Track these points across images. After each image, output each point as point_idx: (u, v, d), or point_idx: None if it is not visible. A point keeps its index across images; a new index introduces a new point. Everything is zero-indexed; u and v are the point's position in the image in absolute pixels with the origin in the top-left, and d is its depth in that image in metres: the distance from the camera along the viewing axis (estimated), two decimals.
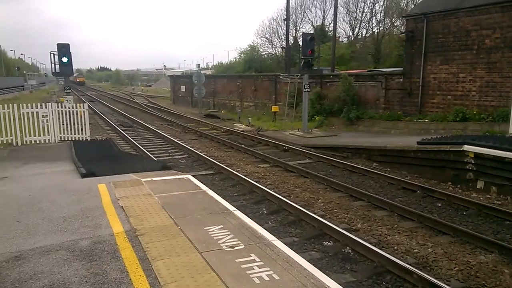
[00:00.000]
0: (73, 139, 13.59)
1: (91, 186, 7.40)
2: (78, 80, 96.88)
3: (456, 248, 6.36)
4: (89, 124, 14.42)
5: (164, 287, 3.75)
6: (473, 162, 9.70)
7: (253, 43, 44.19)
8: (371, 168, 11.62)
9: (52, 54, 15.29)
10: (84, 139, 13.72)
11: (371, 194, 8.89)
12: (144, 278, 3.92)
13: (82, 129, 13.81)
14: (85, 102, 16.95)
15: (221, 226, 5.27)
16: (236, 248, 4.58)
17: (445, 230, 6.98)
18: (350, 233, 6.59)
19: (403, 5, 33.37)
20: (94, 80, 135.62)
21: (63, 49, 15.14)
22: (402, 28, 23.75)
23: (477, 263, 5.82)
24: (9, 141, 12.77)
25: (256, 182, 9.94)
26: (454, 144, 10.20)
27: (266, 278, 3.87)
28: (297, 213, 7.73)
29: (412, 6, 30.03)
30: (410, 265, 5.49)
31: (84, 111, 13.74)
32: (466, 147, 9.81)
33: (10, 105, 12.68)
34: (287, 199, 8.54)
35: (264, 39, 43.35)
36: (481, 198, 9.03)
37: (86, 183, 7.66)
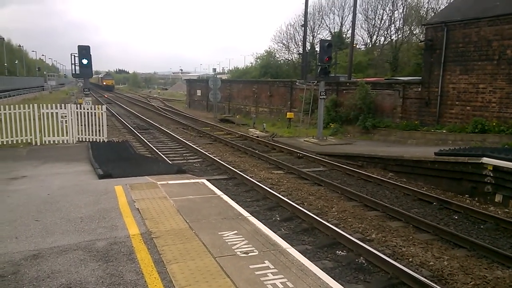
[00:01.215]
0: (91, 140, 13.82)
1: (108, 187, 7.51)
2: (104, 83, 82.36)
3: (472, 262, 6.24)
4: (107, 125, 14.65)
5: None
6: (491, 175, 9.51)
7: (269, 48, 44.37)
8: (386, 178, 11.50)
9: (72, 56, 15.62)
10: (101, 140, 13.94)
11: (386, 204, 8.80)
12: (159, 281, 3.96)
13: (99, 131, 14.03)
14: (103, 104, 17.24)
15: (236, 231, 5.29)
16: (250, 254, 4.58)
17: (462, 243, 6.86)
18: (364, 243, 6.53)
19: (422, 13, 33.07)
20: None
21: (84, 51, 15.45)
22: (421, 37, 23.54)
23: (493, 278, 5.70)
24: (29, 141, 13.06)
25: (270, 188, 9.94)
26: (472, 156, 10.03)
27: (280, 286, 3.86)
28: (310, 221, 7.70)
29: (432, 14, 29.75)
30: (425, 277, 5.41)
31: (102, 112, 13.97)
32: (485, 160, 9.63)
33: (31, 105, 12.98)
34: (300, 206, 8.52)
35: (281, 44, 43.45)
36: (499, 212, 8.85)
37: (103, 184, 7.78)
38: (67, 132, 13.57)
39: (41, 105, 13.26)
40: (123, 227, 5.41)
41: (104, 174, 8.55)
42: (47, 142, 13.25)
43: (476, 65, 15.70)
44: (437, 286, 5.10)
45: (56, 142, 13.38)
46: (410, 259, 6.28)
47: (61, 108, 13.44)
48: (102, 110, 14.02)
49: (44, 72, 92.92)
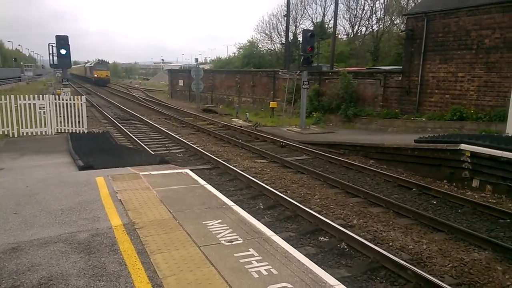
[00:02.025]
0: (70, 131, 13.56)
1: (89, 178, 7.40)
2: (96, 75, 58.75)
3: (450, 245, 6.44)
4: (86, 116, 14.39)
5: (163, 280, 3.78)
6: (469, 161, 9.77)
7: (252, 38, 44.24)
8: (367, 165, 11.68)
9: (50, 46, 15.21)
10: (81, 131, 13.70)
11: (367, 191, 8.95)
12: (143, 271, 3.95)
13: (79, 122, 13.78)
14: (83, 95, 16.88)
15: (220, 220, 5.30)
16: (234, 242, 4.61)
17: (440, 227, 7.05)
18: (346, 229, 6.65)
19: (403, 3, 33.39)
20: None
21: (62, 41, 15.07)
22: (402, 27, 23.78)
23: (470, 260, 5.89)
24: (6, 133, 12.72)
25: (253, 177, 9.98)
26: (451, 143, 10.27)
27: (265, 273, 3.91)
28: (293, 209, 7.78)
29: (413, 5, 30.04)
30: (404, 261, 5.56)
31: (81, 103, 13.70)
32: (463, 146, 9.88)
33: (7, 96, 12.62)
34: (283, 194, 8.59)
35: (264, 34, 43.30)
36: (476, 197, 9.12)
37: (84, 176, 7.66)
38: (45, 124, 13.28)
39: (18, 96, 12.90)
40: (105, 218, 5.35)
41: (85, 166, 8.42)
42: (25, 134, 12.93)
43: (455, 54, 15.99)
44: (416, 269, 5.24)
45: (34, 134, 13.07)
46: (390, 244, 6.43)
47: (39, 99, 13.12)
48: (81, 101, 13.74)
49: (21, 63, 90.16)
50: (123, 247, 4.48)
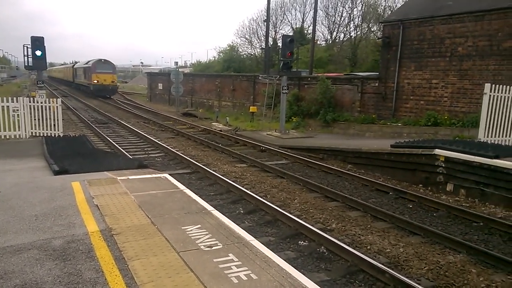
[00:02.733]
0: (45, 135, 13.21)
1: (64, 183, 7.22)
2: (96, 80, 38.80)
3: (426, 248, 6.58)
4: (62, 120, 14.06)
5: (141, 287, 3.72)
6: (443, 165, 10.04)
7: (232, 43, 44.25)
8: (346, 170, 11.84)
9: (25, 47, 14.82)
10: (57, 135, 13.37)
11: (346, 195, 9.07)
12: (120, 278, 3.87)
13: (54, 125, 13.44)
14: (58, 97, 16.49)
15: (199, 225, 5.26)
16: (214, 247, 4.58)
17: (416, 230, 7.20)
18: (325, 233, 6.71)
19: (380, 11, 34.15)
20: None
21: (37, 42, 14.70)
22: (379, 34, 24.30)
23: (446, 262, 6.04)
24: None
25: (233, 181, 9.96)
26: (425, 148, 10.53)
27: (244, 278, 3.90)
28: (273, 213, 7.80)
29: (389, 13, 30.76)
30: (382, 264, 5.65)
31: (57, 106, 13.37)
32: (437, 151, 10.15)
33: None
34: (263, 199, 8.61)
35: (244, 39, 43.45)
36: (450, 200, 9.36)
37: (59, 181, 7.47)
38: (19, 127, 12.89)
39: None
40: (81, 224, 5.23)
41: (60, 170, 8.20)
42: None
43: (429, 61, 16.44)
44: (393, 272, 5.33)
45: (8, 137, 12.67)
46: (368, 247, 6.52)
47: (13, 102, 12.74)
48: (57, 103, 13.41)
49: None
50: (99, 253, 4.38)
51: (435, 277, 5.63)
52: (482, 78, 14.74)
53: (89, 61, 42.15)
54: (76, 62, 54.64)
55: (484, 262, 6.08)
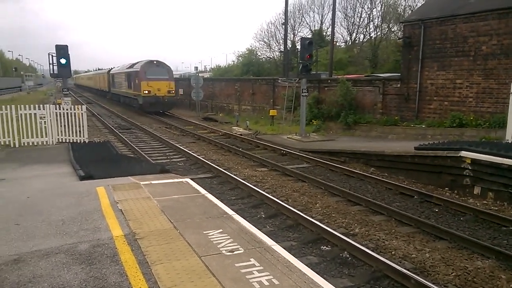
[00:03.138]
0: (71, 141, 13.57)
1: (89, 189, 7.39)
2: (147, 91, 27.43)
3: (453, 253, 6.40)
4: (87, 126, 14.41)
5: None
6: (470, 168, 9.76)
7: (251, 46, 44.32)
8: (368, 173, 11.66)
9: (50, 56, 15.29)
10: (82, 141, 13.70)
11: (369, 199, 8.93)
12: (144, 282, 3.93)
13: (80, 131, 13.78)
14: (83, 104, 16.93)
15: (221, 230, 5.28)
16: (235, 252, 4.59)
17: (443, 235, 7.02)
18: (348, 238, 6.62)
19: (400, 11, 33.62)
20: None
21: (62, 51, 15.15)
22: (400, 34, 23.91)
23: (474, 268, 5.85)
24: (7, 143, 12.73)
25: (254, 186, 9.96)
26: (451, 150, 10.27)
27: (266, 283, 3.88)
28: (295, 217, 7.75)
29: (410, 12, 30.25)
30: (408, 270, 5.52)
31: (82, 113, 13.72)
32: (463, 153, 9.87)
33: (8, 106, 12.65)
34: (285, 203, 8.56)
35: (262, 42, 43.50)
36: (478, 204, 9.09)
37: (84, 186, 7.65)
38: (46, 133, 13.29)
39: (19, 106, 12.94)
40: (106, 228, 5.34)
41: (86, 176, 8.41)
42: (25, 144, 12.93)
43: (453, 61, 16.06)
44: (419, 278, 5.21)
45: (35, 144, 13.08)
46: (393, 252, 6.39)
47: (40, 109, 13.15)
48: (82, 110, 13.77)
49: (21, 73, 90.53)
50: (124, 257, 4.46)
51: (463, 284, 5.46)
52: (508, 77, 14.29)
53: (134, 64, 30.43)
54: (110, 68, 41.67)
55: None
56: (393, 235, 7.15)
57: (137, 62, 30.45)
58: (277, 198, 8.89)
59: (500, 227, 7.59)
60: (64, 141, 13.57)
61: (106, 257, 4.50)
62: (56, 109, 13.48)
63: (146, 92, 27.42)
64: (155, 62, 28.88)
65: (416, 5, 31.69)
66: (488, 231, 7.45)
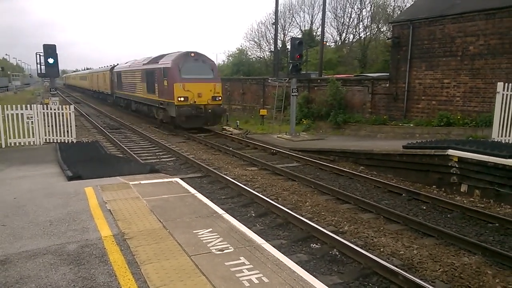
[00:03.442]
0: (59, 141, 13.42)
1: (77, 189, 7.32)
2: (181, 99, 18.23)
3: (440, 250, 6.49)
4: (75, 126, 14.26)
5: None
6: (457, 166, 9.90)
7: (241, 46, 44.44)
8: (357, 172, 11.75)
9: (38, 55, 15.10)
10: (70, 141, 13.56)
11: (358, 197, 9.00)
12: (133, 281, 3.91)
13: (67, 131, 13.64)
14: (71, 104, 16.74)
15: (210, 229, 5.28)
16: (225, 251, 4.59)
17: (430, 232, 7.11)
18: (337, 235, 6.67)
19: (389, 11, 33.94)
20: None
21: (49, 50, 14.97)
22: (389, 34, 24.14)
23: (461, 264, 5.94)
24: None
25: (244, 185, 9.97)
26: (438, 149, 10.40)
27: (256, 281, 3.90)
28: (285, 216, 7.78)
29: (399, 13, 30.54)
30: (396, 266, 5.58)
31: (70, 112, 13.58)
32: (450, 152, 10.01)
33: None
34: (275, 202, 8.59)
35: (253, 42, 43.57)
36: (464, 201, 9.22)
37: (72, 186, 7.58)
38: (33, 134, 13.12)
39: (5, 106, 12.75)
40: (95, 229, 5.30)
41: (74, 176, 8.33)
42: (12, 144, 12.75)
43: (441, 61, 16.26)
44: (407, 275, 5.27)
45: (22, 144, 12.90)
46: (382, 249, 6.46)
47: (27, 109, 12.98)
48: (70, 110, 13.62)
49: (8, 72, 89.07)
50: (113, 258, 4.43)
51: (450, 279, 5.55)
52: (494, 77, 14.51)
53: (159, 58, 21.54)
54: (114, 65, 32.90)
55: (500, 263, 5.97)
56: (382, 232, 7.22)
57: (164, 55, 21.31)
58: (267, 197, 8.92)
59: (486, 224, 7.72)
60: (51, 141, 13.41)
61: (95, 257, 4.47)
62: (43, 109, 13.31)
63: (182, 99, 18.55)
64: (192, 54, 19.51)
65: (405, 5, 32.05)
66: (474, 228, 7.57)
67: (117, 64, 32.90)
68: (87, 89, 48.56)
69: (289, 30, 42.01)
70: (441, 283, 5.45)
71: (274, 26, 29.70)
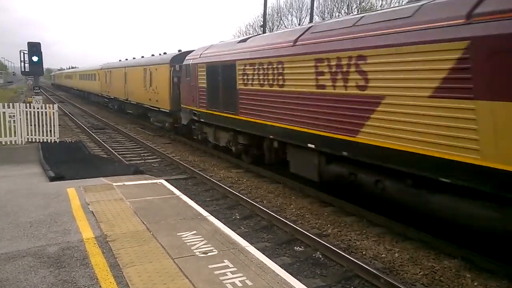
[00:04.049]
0: (41, 140, 13.19)
1: (59, 190, 7.22)
2: None
3: (421, 253, 6.58)
4: (59, 125, 14.05)
5: None
6: None
7: None
8: None
9: (22, 53, 14.86)
10: (53, 141, 13.35)
11: (341, 200, 9.07)
12: (115, 285, 3.88)
13: (50, 131, 13.43)
14: (55, 103, 16.50)
15: (195, 231, 5.27)
16: (209, 254, 4.59)
17: (412, 235, 7.19)
18: (321, 239, 6.72)
19: None
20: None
21: (34, 48, 14.76)
22: None
23: (441, 267, 6.05)
24: None
25: (230, 187, 9.96)
26: None
27: (239, 284, 3.91)
28: (269, 219, 7.81)
29: None
30: (377, 270, 5.66)
31: (53, 112, 13.37)
32: None
33: None
34: (259, 204, 8.61)
35: None
36: None
37: (54, 187, 7.47)
38: (15, 133, 12.86)
39: None
40: (76, 231, 5.23)
41: (56, 176, 8.20)
42: None
43: None
44: (388, 278, 5.34)
45: (4, 143, 12.63)
46: (364, 252, 6.53)
47: (9, 107, 12.73)
48: (53, 109, 13.41)
49: None
50: (94, 260, 4.39)
51: (430, 282, 5.64)
52: None
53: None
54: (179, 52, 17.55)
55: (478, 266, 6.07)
56: (364, 235, 7.30)
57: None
58: (252, 200, 8.93)
59: None
60: (34, 140, 13.18)
61: (76, 260, 4.41)
62: (26, 107, 13.07)
63: None
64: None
65: None
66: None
67: (180, 51, 17.43)
68: (87, 91, 33.92)
69: None
70: (421, 286, 5.54)
71: (262, 29, 29.82)
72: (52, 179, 8.10)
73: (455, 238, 7.29)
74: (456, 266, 6.12)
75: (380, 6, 35.19)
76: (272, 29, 41.39)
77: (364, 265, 5.69)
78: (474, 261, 6.21)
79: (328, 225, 7.76)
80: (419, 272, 5.90)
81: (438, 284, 5.61)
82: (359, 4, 35.41)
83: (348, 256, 5.99)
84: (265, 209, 8.15)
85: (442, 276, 5.79)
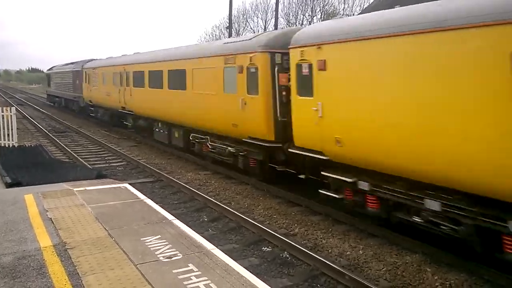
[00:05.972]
0: None
1: (16, 196, 6.90)
2: None
3: (384, 249, 6.75)
4: (17, 129, 13.44)
5: None
6: None
7: None
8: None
9: None
10: (11, 145, 12.75)
11: (309, 200, 9.17)
12: None
13: (8, 135, 12.82)
14: (13, 106, 15.76)
15: (159, 236, 5.17)
16: (173, 258, 4.52)
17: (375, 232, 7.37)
18: (288, 238, 6.77)
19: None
20: (24, 82, 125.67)
21: None
22: None
23: (403, 263, 6.23)
24: None
25: (197, 189, 9.87)
26: None
27: None
28: (237, 220, 7.80)
29: None
30: (342, 267, 5.76)
31: (11, 115, 12.78)
32: None
33: None
34: (227, 206, 8.57)
35: None
36: None
37: (11, 194, 7.13)
38: None
39: None
40: (33, 239, 5.01)
41: (13, 182, 7.85)
42: None
43: None
44: (353, 275, 5.45)
45: None
46: (330, 251, 6.63)
47: None
48: (11, 112, 12.82)
49: None
50: (52, 269, 4.21)
51: (393, 278, 5.79)
52: None
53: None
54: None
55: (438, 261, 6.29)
56: (330, 233, 7.41)
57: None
58: (220, 201, 8.88)
59: None
60: None
61: (32, 269, 4.22)
62: None
63: None
64: None
65: (354, 14, 33.31)
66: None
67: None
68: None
69: (243, 35, 42.23)
70: (385, 282, 5.68)
71: (228, 30, 29.77)
72: (8, 186, 7.75)
73: (416, 234, 7.54)
74: (417, 261, 6.32)
75: (343, 10, 36.05)
76: (239, 31, 41.43)
77: (329, 263, 5.79)
78: (434, 256, 6.44)
79: (295, 225, 7.82)
80: (383, 268, 6.05)
81: (401, 279, 5.77)
82: (323, 7, 36.08)
83: (315, 255, 6.07)
84: (233, 211, 8.12)
85: (404, 271, 5.96)
